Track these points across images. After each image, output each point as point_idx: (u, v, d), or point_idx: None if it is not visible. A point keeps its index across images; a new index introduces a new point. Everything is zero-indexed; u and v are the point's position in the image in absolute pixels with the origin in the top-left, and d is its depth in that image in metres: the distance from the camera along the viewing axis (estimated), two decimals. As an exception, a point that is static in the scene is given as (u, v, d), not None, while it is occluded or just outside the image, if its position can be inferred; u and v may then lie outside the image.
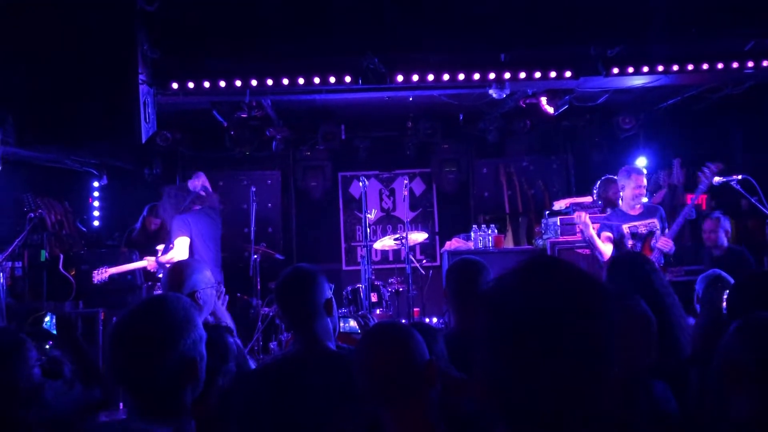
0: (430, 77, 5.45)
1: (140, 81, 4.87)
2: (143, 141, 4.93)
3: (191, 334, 1.90)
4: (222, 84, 5.43)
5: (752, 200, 5.76)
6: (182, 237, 5.64)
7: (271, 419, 2.25)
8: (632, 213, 5.49)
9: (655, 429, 2.23)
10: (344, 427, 1.96)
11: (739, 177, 5.75)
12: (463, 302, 3.01)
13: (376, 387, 1.86)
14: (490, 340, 1.06)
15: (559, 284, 1.04)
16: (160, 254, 5.87)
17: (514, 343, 1.02)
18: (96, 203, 8.86)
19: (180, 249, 5.63)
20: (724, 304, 2.81)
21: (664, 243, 5.26)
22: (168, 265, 5.69)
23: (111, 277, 6.01)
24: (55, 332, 3.04)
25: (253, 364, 2.81)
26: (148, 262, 5.91)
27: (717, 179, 5.83)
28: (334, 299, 2.57)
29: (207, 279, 3.24)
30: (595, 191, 7.44)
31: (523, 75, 5.47)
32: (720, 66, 5.45)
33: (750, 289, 2.45)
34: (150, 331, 1.85)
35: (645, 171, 5.59)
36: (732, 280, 5.14)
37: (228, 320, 3.26)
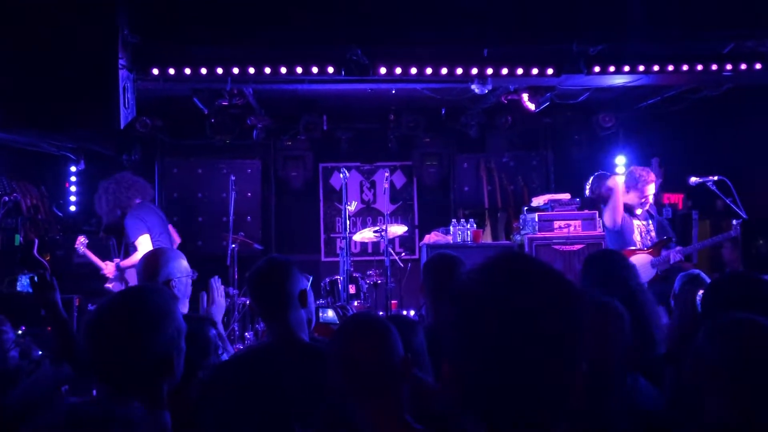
0: (413, 70, 5.45)
1: (120, 66, 4.82)
2: (122, 127, 4.88)
3: (169, 327, 1.89)
4: (203, 71, 5.38)
5: (727, 201, 5.86)
6: (143, 236, 5.49)
7: (244, 411, 2.25)
8: (636, 213, 5.70)
9: (636, 424, 2.26)
10: (316, 420, 1.96)
11: (715, 178, 5.85)
12: (439, 297, 3.02)
13: (351, 379, 1.85)
14: (456, 334, 1.07)
15: (525, 279, 1.05)
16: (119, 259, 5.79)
17: (479, 338, 1.03)
18: (73, 188, 8.76)
19: (145, 249, 5.47)
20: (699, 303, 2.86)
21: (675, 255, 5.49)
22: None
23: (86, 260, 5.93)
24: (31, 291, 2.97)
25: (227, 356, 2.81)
26: (106, 268, 5.78)
27: (693, 179, 5.94)
28: (310, 291, 2.56)
29: (183, 268, 3.22)
30: (587, 187, 7.52)
31: (505, 71, 5.49)
32: (699, 67, 5.51)
33: (724, 289, 2.49)
34: (128, 323, 1.83)
35: (652, 175, 5.68)
36: (709, 280, 5.24)
37: (218, 312, 3.24)
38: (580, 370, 1.04)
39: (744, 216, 5.64)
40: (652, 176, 5.62)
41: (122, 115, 4.85)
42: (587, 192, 7.55)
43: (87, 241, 5.96)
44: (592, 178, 7.35)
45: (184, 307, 3.20)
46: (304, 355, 2.36)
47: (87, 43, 4.70)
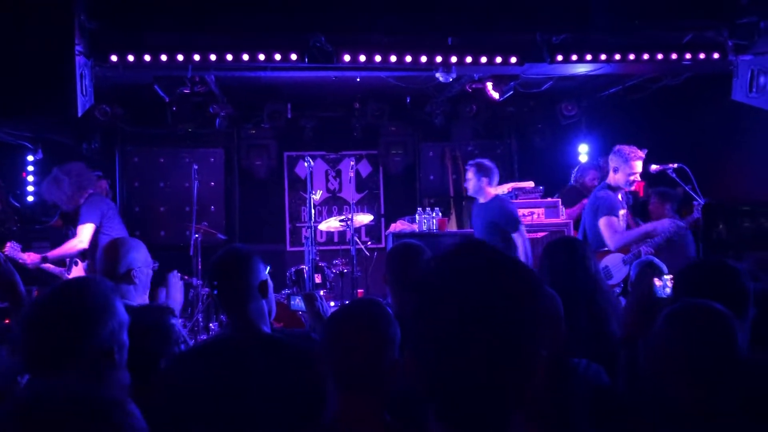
0: (378, 58, 5.42)
1: (77, 52, 4.69)
2: (79, 115, 4.76)
3: (110, 321, 1.85)
4: (163, 58, 5.27)
5: (686, 188, 5.96)
6: (89, 224, 5.33)
7: (203, 401, 2.22)
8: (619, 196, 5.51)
9: (589, 408, 2.30)
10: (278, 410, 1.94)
11: (675, 166, 5.92)
12: (403, 286, 3.02)
13: (338, 370, 1.82)
14: (417, 323, 1.07)
15: (483, 268, 1.06)
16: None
17: (438, 327, 1.04)
18: (30, 178, 8.54)
19: (83, 238, 5.31)
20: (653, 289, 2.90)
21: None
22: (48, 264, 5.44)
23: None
24: None
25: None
26: (28, 258, 5.52)
27: (654, 167, 6.01)
28: (270, 281, 2.53)
29: (144, 258, 3.17)
30: (572, 176, 7.58)
31: (469, 59, 5.50)
32: (659, 57, 5.59)
33: (691, 277, 2.52)
34: (68, 316, 1.79)
35: (642, 153, 5.43)
36: (664, 267, 5.33)
37: (177, 303, 3.19)
38: (540, 358, 1.05)
39: (702, 200, 5.75)
40: (640, 153, 5.39)
41: (80, 102, 4.73)
42: (572, 180, 7.63)
43: (20, 245, 5.65)
44: (578, 167, 7.41)
45: (144, 298, 3.15)
46: (265, 347, 2.33)
47: (42, 28, 4.57)
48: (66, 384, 1.67)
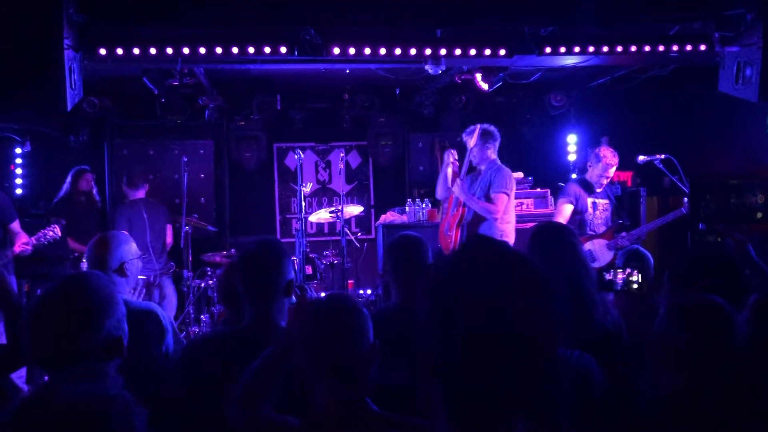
0: (367, 51, 5.42)
1: (65, 46, 4.66)
2: (69, 108, 4.74)
3: (116, 311, 1.90)
4: (153, 51, 5.24)
5: (673, 179, 6.06)
6: None
7: (213, 391, 2.26)
8: (597, 189, 5.88)
9: (579, 400, 2.33)
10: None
11: (662, 156, 6.04)
12: (403, 277, 3.07)
13: (315, 360, 1.85)
14: (433, 327, 1.07)
15: (497, 269, 1.06)
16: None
17: (455, 330, 1.04)
18: (19, 170, 8.50)
19: None
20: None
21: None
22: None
23: (34, 246, 5.74)
24: None
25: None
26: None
27: (642, 158, 6.13)
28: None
29: (134, 250, 3.22)
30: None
31: (458, 51, 5.50)
32: (647, 48, 5.61)
33: (693, 268, 2.56)
34: (76, 310, 1.82)
35: (616, 159, 5.81)
36: (650, 257, 5.43)
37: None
38: (555, 355, 1.07)
39: (687, 191, 5.90)
40: (616, 160, 5.79)
41: (69, 96, 4.71)
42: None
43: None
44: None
45: (132, 287, 3.20)
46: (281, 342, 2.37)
47: (30, 22, 4.54)
48: (77, 381, 1.70)
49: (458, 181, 5.79)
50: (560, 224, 4.73)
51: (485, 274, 1.05)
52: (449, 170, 5.90)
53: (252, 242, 2.57)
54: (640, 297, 3.34)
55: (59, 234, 5.57)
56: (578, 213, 5.82)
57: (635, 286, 3.07)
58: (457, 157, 5.95)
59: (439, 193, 6.16)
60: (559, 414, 2.26)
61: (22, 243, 5.48)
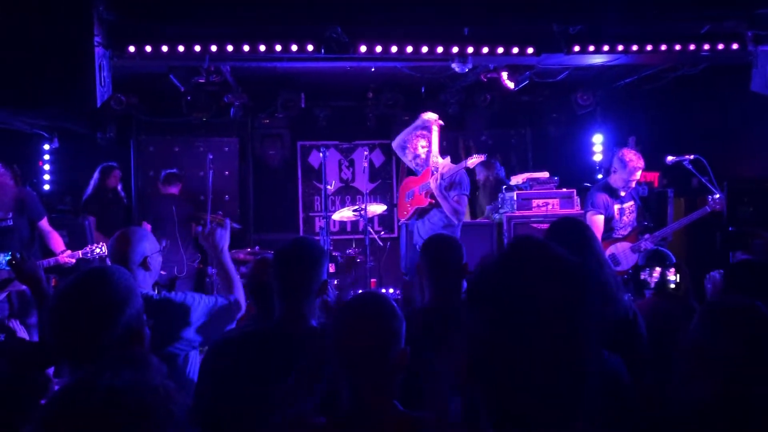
0: (394, 49, 5.41)
1: (96, 43, 4.71)
2: (98, 105, 4.79)
3: (136, 303, 1.92)
4: (181, 49, 5.28)
5: (702, 180, 5.95)
6: None
7: (244, 386, 2.27)
8: (621, 194, 5.65)
9: (609, 402, 2.30)
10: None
11: (691, 157, 5.92)
12: (438, 277, 3.06)
13: (345, 359, 1.83)
14: (493, 335, 1.06)
15: (547, 271, 1.05)
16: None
17: (499, 328, 1.03)
18: (47, 167, 8.61)
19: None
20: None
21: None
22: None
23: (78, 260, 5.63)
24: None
25: None
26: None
27: (670, 158, 6.02)
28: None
29: (155, 244, 3.23)
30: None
31: (485, 50, 5.48)
32: (677, 47, 5.54)
33: (739, 276, 2.52)
34: (98, 303, 1.84)
35: (641, 162, 5.59)
36: (673, 258, 5.37)
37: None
38: (600, 354, 1.06)
39: (718, 193, 5.76)
40: (641, 162, 5.53)
41: (98, 93, 4.76)
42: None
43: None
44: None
45: (153, 281, 3.22)
46: (311, 341, 2.36)
47: (61, 19, 4.59)
48: (107, 372, 1.71)
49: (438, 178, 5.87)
50: (578, 219, 4.68)
51: (537, 274, 1.04)
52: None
53: (291, 239, 2.57)
54: (676, 297, 3.29)
55: (105, 252, 5.43)
56: (606, 220, 5.70)
57: (672, 285, 3.01)
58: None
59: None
60: (593, 415, 2.24)
61: (67, 256, 5.35)
